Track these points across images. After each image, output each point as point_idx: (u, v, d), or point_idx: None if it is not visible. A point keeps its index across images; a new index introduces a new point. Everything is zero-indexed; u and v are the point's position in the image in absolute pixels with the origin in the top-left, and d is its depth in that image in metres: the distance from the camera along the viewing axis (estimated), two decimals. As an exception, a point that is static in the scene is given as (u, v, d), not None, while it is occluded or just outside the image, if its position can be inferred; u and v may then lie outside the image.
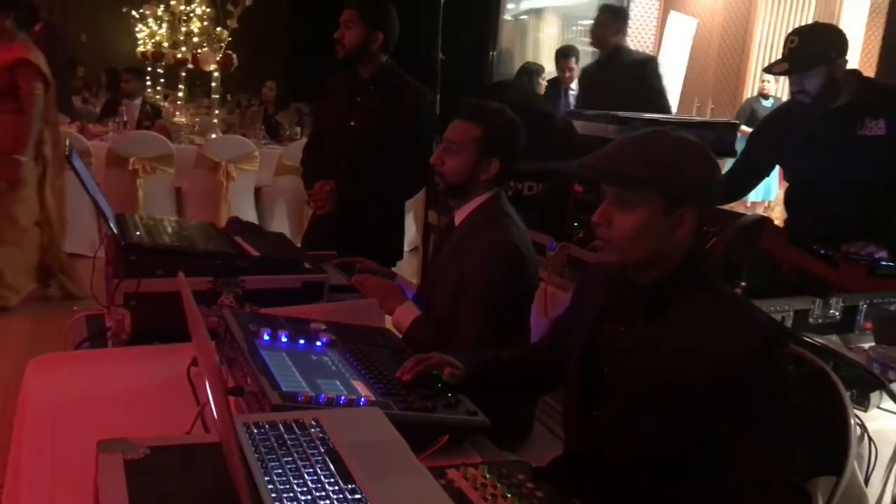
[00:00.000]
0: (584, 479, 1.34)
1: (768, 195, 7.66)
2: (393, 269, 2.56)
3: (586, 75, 4.74)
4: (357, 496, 0.98)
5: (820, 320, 2.02)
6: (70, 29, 9.47)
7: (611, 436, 1.33)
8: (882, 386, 1.72)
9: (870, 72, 4.42)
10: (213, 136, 5.94)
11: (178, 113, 7.28)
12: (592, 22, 4.42)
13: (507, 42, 8.09)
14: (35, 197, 4.23)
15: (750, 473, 1.21)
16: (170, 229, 2.13)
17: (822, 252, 2.20)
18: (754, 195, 6.47)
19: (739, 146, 2.98)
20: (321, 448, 1.09)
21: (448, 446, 1.30)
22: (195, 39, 6.50)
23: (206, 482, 1.03)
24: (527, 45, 8.67)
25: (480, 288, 1.85)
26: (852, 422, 1.44)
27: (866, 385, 1.71)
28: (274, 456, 1.05)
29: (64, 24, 9.32)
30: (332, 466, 1.04)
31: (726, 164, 3.08)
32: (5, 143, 4.02)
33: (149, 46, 8.38)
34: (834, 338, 2.01)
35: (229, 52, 6.00)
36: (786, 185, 2.88)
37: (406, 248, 3.41)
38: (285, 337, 1.57)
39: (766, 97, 7.49)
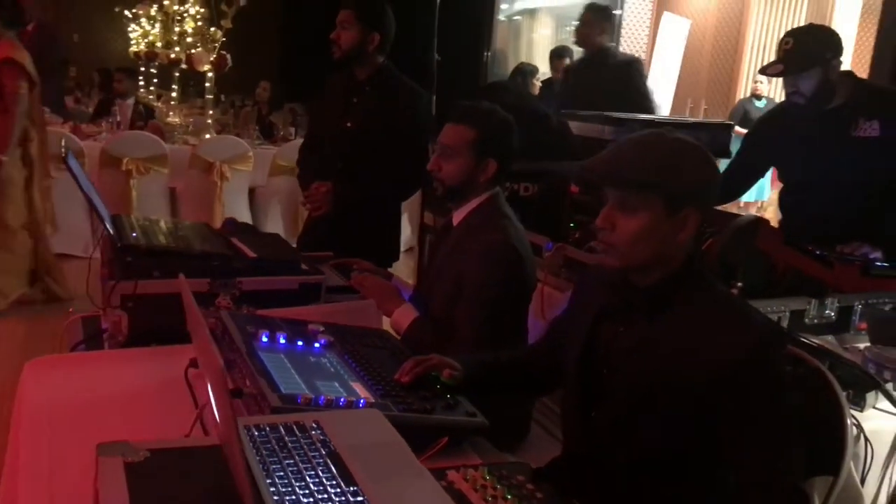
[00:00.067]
0: (584, 480, 1.34)
1: (761, 195, 7.70)
2: (389, 269, 2.56)
3: (571, 74, 4.72)
4: (359, 498, 0.98)
5: (816, 321, 2.03)
6: (62, 29, 9.42)
7: (610, 437, 1.33)
8: (878, 386, 1.73)
9: (862, 72, 4.45)
10: (207, 136, 5.93)
11: (171, 113, 7.26)
12: (577, 21, 4.41)
13: (501, 42, 8.10)
14: (22, 198, 4.18)
15: (749, 473, 1.21)
16: (166, 230, 2.12)
17: (818, 253, 2.21)
18: (747, 195, 6.48)
19: (734, 147, 2.99)
20: (322, 450, 1.09)
21: (447, 447, 1.31)
22: (189, 40, 6.47)
23: (207, 485, 1.03)
24: (520, 46, 8.68)
25: (478, 289, 1.85)
26: (849, 422, 1.45)
27: (862, 385, 1.72)
28: (275, 458, 1.05)
29: (57, 24, 9.27)
30: (333, 469, 1.04)
31: (721, 166, 3.09)
32: None
33: (142, 46, 8.35)
34: (829, 338, 2.01)
35: (223, 52, 5.99)
36: (779, 185, 2.89)
37: (401, 248, 3.41)
38: (283, 338, 1.57)
39: (758, 98, 7.52)
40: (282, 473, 1.02)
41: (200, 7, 6.45)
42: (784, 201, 2.83)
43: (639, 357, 1.30)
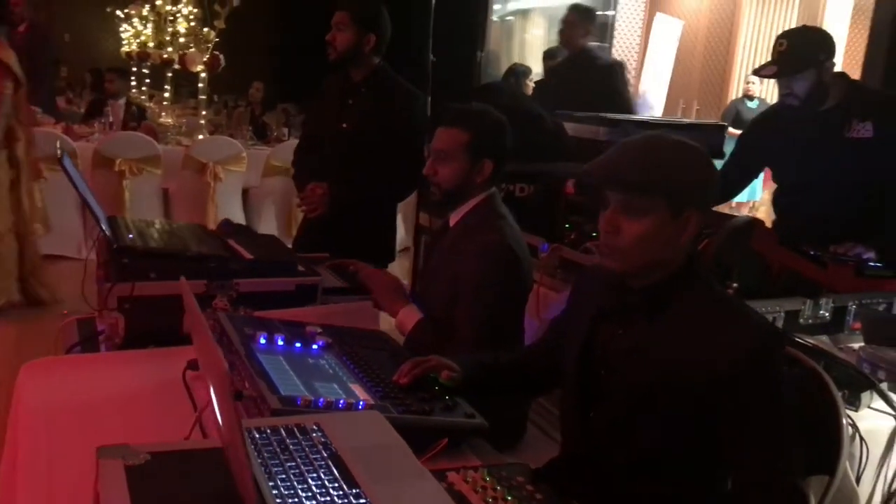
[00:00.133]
0: (583, 480, 1.34)
1: (753, 196, 7.71)
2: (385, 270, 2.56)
3: (554, 74, 4.71)
4: (362, 501, 0.98)
5: (810, 321, 2.05)
6: (53, 29, 9.37)
7: (608, 437, 1.33)
8: (873, 386, 1.74)
9: (854, 73, 4.46)
10: (200, 136, 5.91)
11: (163, 114, 7.23)
12: (560, 21, 4.40)
13: (494, 43, 8.10)
14: (8, 200, 4.11)
15: (749, 473, 1.22)
16: (162, 232, 2.12)
17: (812, 253, 2.22)
18: (739, 196, 6.51)
19: (727, 148, 3.01)
20: (324, 452, 1.09)
21: (446, 449, 1.31)
22: (182, 40, 6.45)
23: (209, 488, 1.02)
24: (513, 47, 8.68)
25: (477, 290, 1.85)
26: (844, 422, 1.46)
27: (857, 385, 1.73)
28: (277, 461, 1.05)
29: (49, 24, 9.22)
30: (335, 471, 1.04)
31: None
32: None
33: (133, 47, 8.31)
34: (824, 338, 2.03)
35: (216, 52, 5.97)
36: (771, 186, 2.91)
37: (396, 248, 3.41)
38: (281, 340, 1.57)
39: (750, 98, 7.55)
40: (284, 476, 1.02)
41: (193, 7, 6.43)
42: (778, 202, 2.84)
43: (638, 358, 1.30)
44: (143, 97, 8.13)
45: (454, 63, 4.64)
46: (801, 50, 2.49)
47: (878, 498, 1.73)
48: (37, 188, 4.38)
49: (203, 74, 5.97)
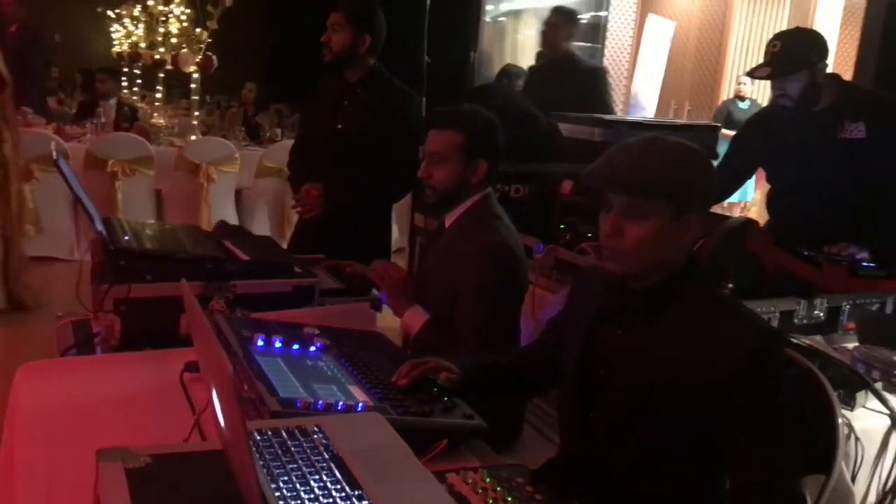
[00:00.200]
0: (582, 481, 1.35)
1: (745, 196, 7.74)
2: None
3: (536, 75, 4.69)
4: (364, 502, 0.98)
5: (805, 321, 2.06)
6: (44, 29, 9.32)
7: (608, 438, 1.34)
8: (867, 385, 1.75)
9: (845, 73, 4.49)
10: (193, 137, 5.89)
11: (155, 114, 7.20)
12: (543, 23, 4.37)
13: (486, 44, 8.10)
14: None
15: (748, 474, 1.22)
16: (158, 233, 2.11)
17: (806, 254, 2.24)
18: (731, 196, 6.54)
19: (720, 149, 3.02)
20: (325, 454, 1.09)
21: (445, 450, 1.31)
22: (174, 40, 6.43)
23: (210, 490, 1.02)
24: (505, 47, 8.69)
25: (476, 290, 1.85)
26: (840, 421, 1.47)
27: (852, 385, 1.74)
28: (279, 463, 1.05)
29: (40, 24, 9.17)
30: (337, 472, 1.05)
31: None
32: None
33: (125, 47, 8.28)
34: (818, 338, 2.04)
35: (209, 53, 5.95)
36: (764, 186, 2.93)
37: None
38: (279, 342, 1.56)
39: (742, 99, 7.57)
40: (286, 478, 1.02)
41: (186, 8, 6.41)
42: (772, 203, 2.86)
43: (637, 358, 1.30)
44: (134, 98, 8.10)
45: (448, 64, 4.63)
46: (795, 51, 2.50)
47: (872, 497, 1.74)
48: (28, 189, 4.35)
49: (195, 75, 5.95)
